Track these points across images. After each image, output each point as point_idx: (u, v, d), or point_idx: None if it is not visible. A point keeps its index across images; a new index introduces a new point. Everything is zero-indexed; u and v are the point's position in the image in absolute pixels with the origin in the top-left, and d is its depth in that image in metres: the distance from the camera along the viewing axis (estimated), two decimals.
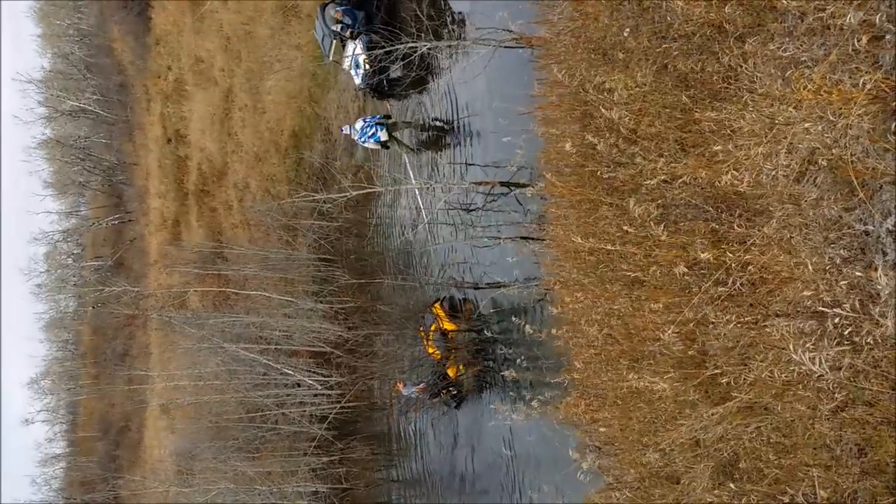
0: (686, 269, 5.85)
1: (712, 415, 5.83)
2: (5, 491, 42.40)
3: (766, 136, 5.02)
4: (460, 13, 13.25)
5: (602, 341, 7.29)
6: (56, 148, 38.05)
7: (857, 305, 4.65)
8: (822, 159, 4.80)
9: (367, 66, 13.86)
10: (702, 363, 5.99)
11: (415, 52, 11.03)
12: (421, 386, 13.30)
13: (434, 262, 14.38)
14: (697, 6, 5.72)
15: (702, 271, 5.83)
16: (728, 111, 5.41)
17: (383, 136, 13.97)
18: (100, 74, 35.25)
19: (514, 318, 10.74)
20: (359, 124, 14.20)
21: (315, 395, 15.51)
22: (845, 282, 4.75)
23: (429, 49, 11.29)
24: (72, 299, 40.93)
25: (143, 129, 30.19)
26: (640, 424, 6.94)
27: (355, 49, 14.26)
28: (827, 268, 4.85)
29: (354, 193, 12.61)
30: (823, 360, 4.63)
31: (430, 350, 13.11)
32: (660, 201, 6.13)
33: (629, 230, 6.30)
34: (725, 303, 5.65)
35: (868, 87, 4.43)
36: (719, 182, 5.45)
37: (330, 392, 15.24)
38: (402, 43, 11.12)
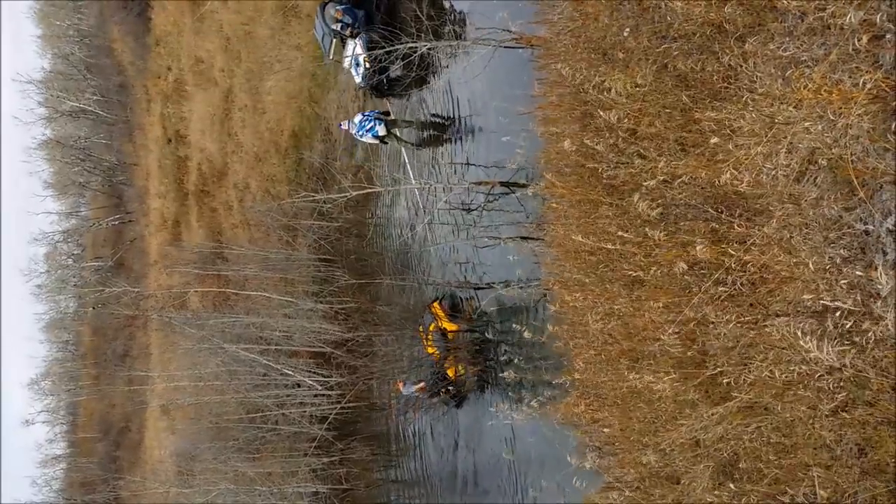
0: (686, 269, 5.85)
1: (712, 415, 5.82)
2: (5, 491, 42.39)
3: (766, 136, 5.02)
4: (460, 13, 13.25)
5: (602, 341, 7.29)
6: (56, 148, 38.05)
7: (858, 305, 4.65)
8: (822, 159, 4.80)
9: (368, 65, 13.86)
10: (702, 363, 5.99)
11: (415, 51, 11.04)
12: (421, 385, 13.31)
13: (434, 261, 14.38)
14: (697, 6, 5.72)
15: (702, 271, 5.83)
16: (728, 111, 5.40)
17: (381, 130, 13.96)
18: (100, 75, 35.23)
19: (514, 318, 10.76)
20: (357, 118, 14.21)
21: (315, 396, 15.50)
22: (845, 281, 4.74)
23: (429, 49, 11.30)
24: (72, 300, 40.89)
25: (143, 130, 30.17)
26: (640, 424, 6.94)
27: (355, 48, 14.26)
28: (827, 267, 4.85)
29: (354, 194, 12.63)
30: (831, 349, 4.62)
31: (430, 350, 13.12)
32: (660, 201, 6.13)
33: (626, 235, 6.31)
34: (725, 303, 5.65)
35: (868, 86, 4.42)
36: (719, 181, 5.45)
37: (330, 392, 15.23)
38: (402, 43, 11.13)
